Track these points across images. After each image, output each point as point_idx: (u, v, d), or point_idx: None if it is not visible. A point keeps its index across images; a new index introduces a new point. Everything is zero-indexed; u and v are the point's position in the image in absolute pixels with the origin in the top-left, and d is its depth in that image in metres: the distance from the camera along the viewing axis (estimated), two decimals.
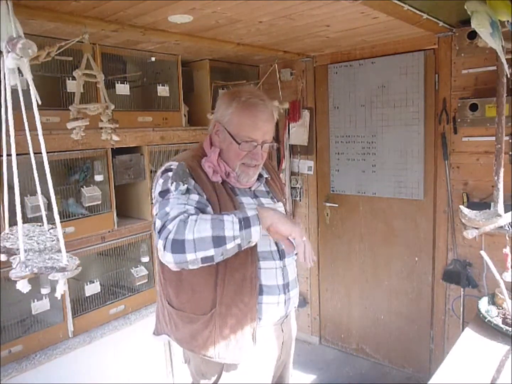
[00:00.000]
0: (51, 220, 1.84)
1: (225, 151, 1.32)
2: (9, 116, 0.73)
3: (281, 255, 1.35)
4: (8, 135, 0.82)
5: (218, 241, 1.07)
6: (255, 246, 1.25)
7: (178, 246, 1.07)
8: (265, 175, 1.45)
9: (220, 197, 1.26)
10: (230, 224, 1.09)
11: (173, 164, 1.25)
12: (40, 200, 0.81)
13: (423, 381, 2.42)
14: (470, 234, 1.52)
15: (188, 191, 1.19)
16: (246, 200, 1.34)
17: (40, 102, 0.90)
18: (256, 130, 1.29)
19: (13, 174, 0.86)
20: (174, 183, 1.19)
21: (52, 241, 0.98)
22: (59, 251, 0.91)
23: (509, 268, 1.54)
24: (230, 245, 1.08)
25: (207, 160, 1.30)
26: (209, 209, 1.22)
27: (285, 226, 1.14)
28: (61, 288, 0.87)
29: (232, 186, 1.33)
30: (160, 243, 1.10)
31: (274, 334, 1.39)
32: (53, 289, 1.84)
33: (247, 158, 1.31)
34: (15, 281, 0.85)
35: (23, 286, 0.86)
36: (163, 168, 1.29)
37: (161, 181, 1.24)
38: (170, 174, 1.23)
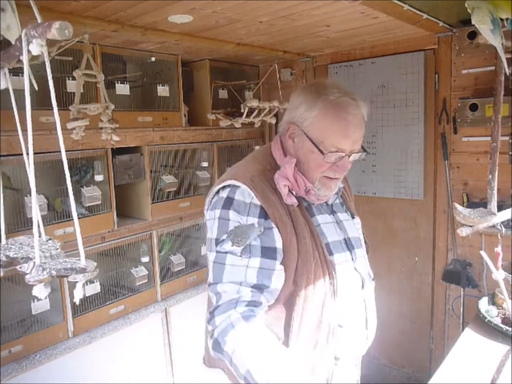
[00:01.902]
0: (51, 220, 1.86)
1: (302, 161, 1.10)
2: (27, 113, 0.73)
3: (363, 284, 1.18)
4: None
5: (247, 381, 0.92)
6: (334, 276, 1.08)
7: (219, 350, 0.96)
8: (341, 185, 1.23)
9: (296, 224, 1.06)
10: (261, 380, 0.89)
11: (236, 190, 1.05)
12: (35, 213, 0.75)
13: (423, 381, 2.42)
14: (464, 232, 1.52)
15: (247, 249, 1.00)
16: (323, 219, 1.15)
17: (37, 88, 0.89)
18: (345, 138, 1.06)
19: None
20: (230, 241, 1.00)
21: (56, 249, 0.94)
22: (67, 257, 0.89)
23: (499, 267, 1.54)
24: None
25: (281, 175, 1.07)
26: (279, 265, 1.02)
27: None
28: (80, 292, 0.81)
29: (308, 202, 1.14)
30: (208, 326, 0.99)
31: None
32: (53, 289, 1.84)
33: (329, 171, 1.09)
34: (32, 285, 0.78)
35: (40, 291, 0.79)
36: (221, 189, 1.09)
37: (218, 218, 1.04)
38: (230, 212, 1.03)
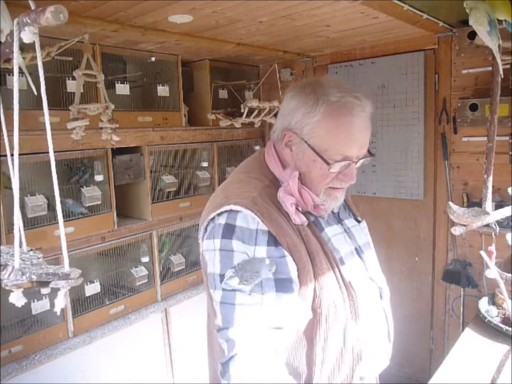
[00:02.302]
0: (51, 220, 1.86)
1: (304, 172, 0.98)
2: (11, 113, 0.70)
3: (381, 294, 1.08)
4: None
5: None
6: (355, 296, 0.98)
7: None
8: None
9: (309, 247, 0.94)
10: None
11: (236, 216, 0.91)
12: (16, 221, 0.71)
13: (423, 381, 2.42)
14: (457, 231, 1.53)
15: (259, 284, 0.85)
16: (333, 231, 1.04)
17: (35, 91, 0.87)
18: (352, 144, 0.94)
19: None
20: (237, 278, 0.85)
21: (38, 258, 0.86)
22: (50, 265, 0.81)
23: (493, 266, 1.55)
24: None
25: (285, 191, 0.95)
26: (295, 298, 0.89)
27: None
28: (62, 301, 0.75)
29: (315, 215, 1.01)
30: (222, 380, 0.83)
31: None
32: (53, 290, 1.84)
33: (335, 180, 0.98)
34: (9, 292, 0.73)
35: (18, 298, 0.73)
36: (219, 214, 0.93)
37: (220, 249, 0.90)
38: (234, 242, 0.89)
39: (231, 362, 0.82)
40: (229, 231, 0.91)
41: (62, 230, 0.75)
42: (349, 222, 1.12)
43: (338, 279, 0.97)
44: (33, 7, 0.73)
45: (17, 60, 0.70)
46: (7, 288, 0.71)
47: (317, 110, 0.93)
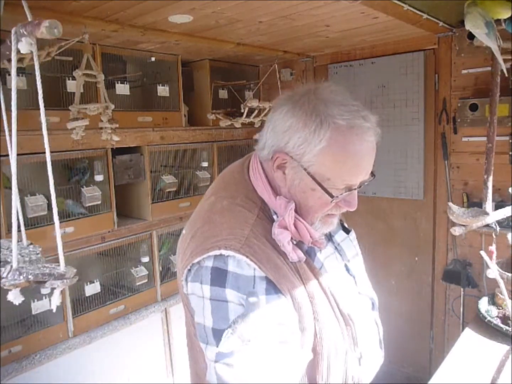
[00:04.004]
0: (51, 220, 1.85)
1: (299, 200, 0.86)
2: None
3: (373, 305, 1.04)
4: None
5: None
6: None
7: None
8: None
9: (307, 286, 0.85)
10: None
11: (228, 260, 0.79)
12: (14, 218, 0.71)
13: (423, 381, 2.42)
14: (457, 231, 1.53)
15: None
16: (324, 254, 0.95)
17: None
18: (360, 173, 0.85)
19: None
20: (237, 337, 0.73)
21: (37, 254, 0.88)
22: (47, 263, 0.84)
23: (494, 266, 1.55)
24: None
25: (280, 225, 0.83)
26: (295, 342, 0.80)
27: None
28: (57, 299, 0.75)
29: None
30: None
31: None
32: (53, 289, 1.84)
33: (335, 208, 0.88)
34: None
35: (15, 297, 0.74)
36: (206, 258, 0.80)
37: (210, 299, 0.78)
38: (228, 291, 0.77)
39: None
40: (220, 277, 0.78)
41: (57, 230, 0.76)
42: (339, 236, 1.04)
43: (335, 313, 0.90)
44: (29, 18, 0.74)
45: (15, 68, 0.70)
46: (5, 287, 0.73)
47: (321, 136, 0.79)
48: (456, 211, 1.54)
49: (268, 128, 0.88)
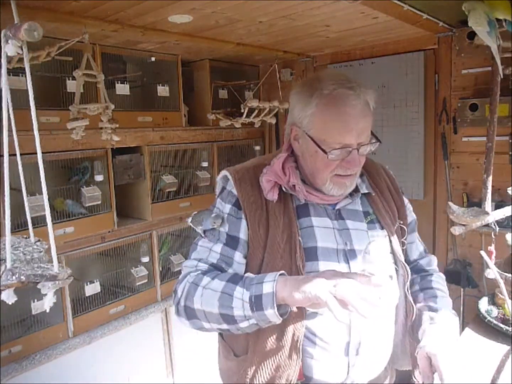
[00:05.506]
0: (52, 220, 1.85)
1: (310, 162, 1.04)
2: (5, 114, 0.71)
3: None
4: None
5: (228, 319, 0.90)
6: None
7: (191, 313, 0.96)
8: (364, 190, 1.12)
9: (271, 220, 1.02)
10: (239, 302, 0.88)
11: (226, 180, 1.10)
12: (7, 217, 0.73)
13: None
14: (457, 230, 1.53)
15: (215, 234, 1.06)
16: (320, 222, 1.05)
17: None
18: (348, 132, 0.98)
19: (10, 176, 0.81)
20: (199, 224, 1.10)
21: (40, 252, 0.91)
22: (49, 261, 0.85)
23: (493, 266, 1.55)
24: (244, 324, 0.89)
25: (269, 170, 1.05)
26: (239, 256, 1.04)
27: (302, 294, 0.82)
28: (50, 300, 0.79)
29: (305, 202, 1.06)
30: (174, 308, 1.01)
31: None
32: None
33: (339, 168, 1.02)
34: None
35: (9, 297, 0.77)
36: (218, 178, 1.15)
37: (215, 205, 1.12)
38: (218, 200, 1.11)
39: (178, 284, 1.01)
40: (220, 191, 1.11)
41: (50, 230, 0.77)
42: (354, 224, 1.08)
43: (292, 258, 0.99)
44: (16, 20, 0.74)
45: (5, 71, 0.71)
46: None
47: (311, 103, 0.99)
48: (456, 210, 1.54)
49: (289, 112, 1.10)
